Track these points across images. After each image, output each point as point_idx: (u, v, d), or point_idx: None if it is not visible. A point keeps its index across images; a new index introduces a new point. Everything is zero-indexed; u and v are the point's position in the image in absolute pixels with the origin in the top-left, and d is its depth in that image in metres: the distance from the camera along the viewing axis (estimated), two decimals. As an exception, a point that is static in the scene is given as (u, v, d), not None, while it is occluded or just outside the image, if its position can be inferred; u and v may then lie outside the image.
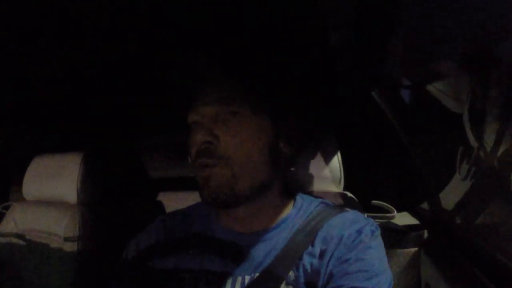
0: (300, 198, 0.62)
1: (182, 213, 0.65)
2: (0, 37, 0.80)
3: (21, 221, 1.23)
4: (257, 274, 0.52)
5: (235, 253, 0.55)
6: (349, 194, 0.84)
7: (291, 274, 0.51)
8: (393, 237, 1.01)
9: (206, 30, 0.79)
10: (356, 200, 0.83)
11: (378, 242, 0.54)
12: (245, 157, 0.52)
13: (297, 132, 0.60)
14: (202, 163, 0.52)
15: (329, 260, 0.51)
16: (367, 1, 0.62)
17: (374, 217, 0.96)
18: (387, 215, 1.00)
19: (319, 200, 0.62)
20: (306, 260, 0.52)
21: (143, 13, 0.75)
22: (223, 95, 0.55)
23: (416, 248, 0.99)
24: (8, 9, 0.69)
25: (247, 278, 0.52)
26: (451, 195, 0.90)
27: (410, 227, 1.01)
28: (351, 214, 0.58)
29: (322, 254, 0.52)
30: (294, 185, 0.80)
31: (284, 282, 0.51)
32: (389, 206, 0.99)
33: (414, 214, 1.11)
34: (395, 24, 0.68)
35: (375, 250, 0.53)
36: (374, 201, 1.02)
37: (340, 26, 0.70)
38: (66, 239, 1.13)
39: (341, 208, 0.60)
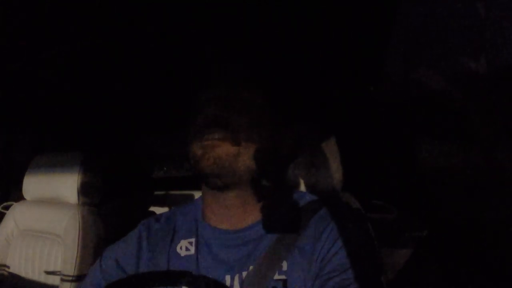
0: (290, 193, 0.62)
1: (166, 217, 0.64)
2: (0, 36, 0.80)
3: (21, 221, 1.23)
4: (251, 267, 0.52)
5: (229, 254, 0.54)
6: (349, 194, 0.84)
7: (284, 264, 0.52)
8: (393, 237, 1.01)
9: (201, 31, 0.79)
10: (356, 200, 0.83)
11: (366, 233, 0.56)
12: (251, 140, 0.53)
13: (296, 131, 0.61)
14: (209, 132, 0.52)
15: (319, 253, 0.51)
16: (368, 1, 0.62)
17: (374, 217, 0.96)
18: (387, 214, 1.00)
19: (309, 195, 0.62)
20: (297, 251, 0.52)
21: (144, 12, 0.75)
22: (241, 78, 0.57)
23: (415, 248, 0.99)
24: (7, 9, 0.69)
25: (244, 274, 0.52)
26: (451, 195, 0.90)
27: (410, 227, 1.01)
28: (339, 207, 0.59)
29: (311, 247, 0.52)
30: (292, 183, 0.80)
31: (276, 273, 0.51)
32: (389, 206, 1.00)
33: (414, 214, 1.11)
34: (395, 23, 0.68)
35: (362, 242, 0.54)
36: (374, 201, 1.02)
37: (341, 26, 0.70)
38: (66, 239, 1.13)
39: (329, 202, 0.60)
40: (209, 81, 0.59)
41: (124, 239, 0.62)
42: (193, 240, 0.57)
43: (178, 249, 0.57)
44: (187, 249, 0.57)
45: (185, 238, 0.58)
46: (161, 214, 0.65)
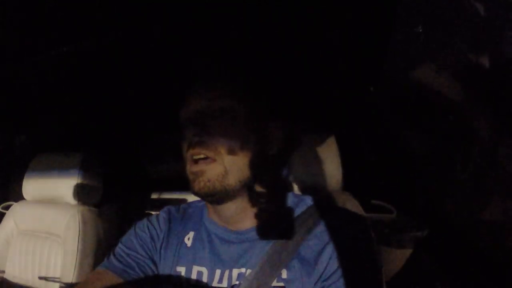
0: (291, 196, 0.62)
1: (183, 209, 0.67)
2: (0, 37, 0.80)
3: (21, 221, 1.23)
4: (248, 271, 0.53)
5: (225, 249, 0.56)
6: (349, 194, 0.84)
7: (283, 271, 0.52)
8: (393, 237, 1.01)
9: (203, 30, 0.79)
10: (356, 200, 0.83)
11: (369, 242, 0.55)
12: (235, 153, 0.54)
13: (285, 134, 0.61)
14: (194, 154, 0.53)
15: (319, 266, 0.51)
16: (367, 1, 0.62)
17: (373, 217, 0.96)
18: (387, 215, 1.00)
19: (311, 198, 0.62)
20: (297, 260, 0.52)
21: (144, 14, 0.75)
22: (215, 92, 0.56)
23: (416, 248, 0.99)
24: (8, 9, 0.69)
25: (235, 272, 0.54)
26: (451, 195, 0.90)
27: (410, 227, 1.01)
28: (343, 213, 0.58)
29: (312, 258, 0.52)
30: (292, 184, 0.80)
31: (275, 280, 0.51)
32: (389, 206, 1.00)
33: (414, 214, 1.11)
34: (395, 23, 0.68)
35: (366, 252, 0.53)
36: (373, 201, 1.02)
37: (340, 25, 0.70)
38: (66, 239, 1.14)
39: (333, 206, 0.60)
40: (187, 95, 0.58)
41: (151, 218, 0.65)
42: (197, 232, 0.61)
43: (186, 239, 0.60)
44: (192, 239, 0.60)
45: (193, 229, 0.61)
46: (181, 206, 0.68)
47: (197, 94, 0.57)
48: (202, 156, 0.53)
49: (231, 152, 0.53)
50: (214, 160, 0.53)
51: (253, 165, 0.55)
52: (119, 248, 0.62)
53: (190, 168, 0.54)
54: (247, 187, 0.56)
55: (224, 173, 0.53)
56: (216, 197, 0.54)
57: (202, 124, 0.54)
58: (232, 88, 0.57)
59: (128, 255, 0.60)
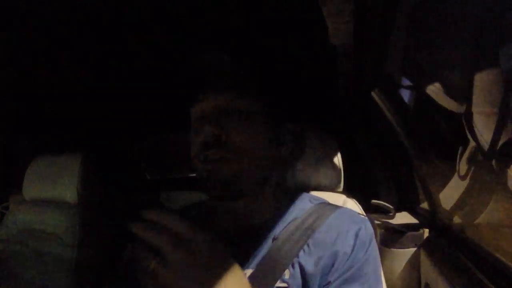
0: (296, 196, 0.62)
1: (185, 212, 0.66)
2: (0, 37, 0.80)
3: (21, 221, 1.23)
4: (250, 271, 0.52)
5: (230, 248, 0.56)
6: (349, 194, 0.84)
7: (287, 272, 0.51)
8: (393, 237, 1.01)
9: (213, 29, 0.79)
10: (356, 200, 0.84)
11: (374, 248, 0.55)
12: (251, 153, 0.53)
13: (295, 133, 0.61)
14: (210, 155, 0.52)
15: (325, 268, 0.51)
16: (367, 1, 0.62)
17: (373, 217, 0.96)
18: (387, 215, 1.00)
19: (315, 198, 0.62)
20: (302, 260, 0.52)
21: (147, 12, 0.75)
22: (235, 89, 0.55)
23: (415, 248, 0.99)
24: (8, 9, 0.69)
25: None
26: (451, 195, 0.90)
27: (409, 227, 1.01)
28: (347, 214, 0.58)
29: (318, 259, 0.52)
30: (293, 184, 0.80)
31: (279, 280, 0.51)
32: (389, 206, 1.00)
33: (413, 214, 1.12)
34: (395, 24, 0.68)
35: (372, 259, 0.53)
36: (373, 201, 1.02)
37: (340, 27, 0.70)
38: (66, 239, 1.14)
39: (337, 207, 0.60)
40: (202, 90, 0.56)
41: None
42: None
43: None
44: None
45: None
46: (182, 208, 0.67)
47: (214, 91, 0.55)
48: (218, 156, 0.52)
49: (247, 152, 0.52)
50: (231, 161, 0.52)
51: (266, 167, 0.55)
52: (121, 267, 0.62)
53: (203, 165, 0.53)
54: (260, 186, 0.56)
55: (240, 171, 0.52)
56: (228, 195, 0.53)
57: (221, 123, 0.52)
58: (251, 87, 0.56)
59: (129, 270, 0.59)
